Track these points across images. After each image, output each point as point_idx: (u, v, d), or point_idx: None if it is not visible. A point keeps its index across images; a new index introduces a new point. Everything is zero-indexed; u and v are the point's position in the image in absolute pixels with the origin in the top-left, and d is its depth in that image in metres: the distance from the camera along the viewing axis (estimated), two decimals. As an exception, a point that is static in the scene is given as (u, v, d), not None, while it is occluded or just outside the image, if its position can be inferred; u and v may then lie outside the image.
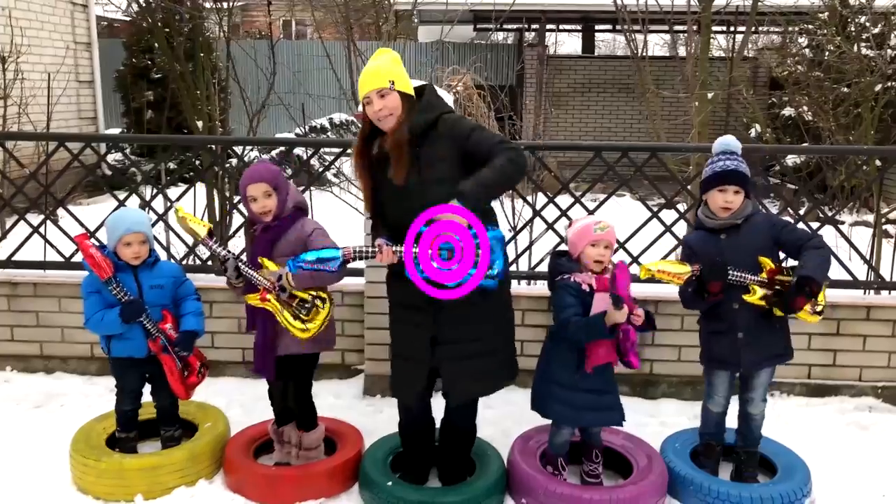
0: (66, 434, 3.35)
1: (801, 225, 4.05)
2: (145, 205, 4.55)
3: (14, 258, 4.48)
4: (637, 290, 4.21)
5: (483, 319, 2.94)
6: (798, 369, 4.18)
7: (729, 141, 3.12)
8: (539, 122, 7.70)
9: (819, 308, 3.05)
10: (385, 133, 2.84)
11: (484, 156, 2.79)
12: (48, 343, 4.43)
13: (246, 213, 3.19)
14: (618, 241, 3.89)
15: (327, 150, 6.57)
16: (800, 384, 4.21)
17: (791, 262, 3.10)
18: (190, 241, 4.70)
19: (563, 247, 3.32)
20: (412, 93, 2.87)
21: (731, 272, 2.95)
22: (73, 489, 3.18)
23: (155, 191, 4.60)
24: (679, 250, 4.75)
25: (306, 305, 2.98)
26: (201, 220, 3.08)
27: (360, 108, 2.92)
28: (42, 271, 4.48)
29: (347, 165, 7.83)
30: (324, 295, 3.02)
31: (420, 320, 2.91)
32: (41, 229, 4.48)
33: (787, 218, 3.75)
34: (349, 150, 4.77)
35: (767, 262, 3.01)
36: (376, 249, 2.73)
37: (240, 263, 2.97)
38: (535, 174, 6.38)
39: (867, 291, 4.36)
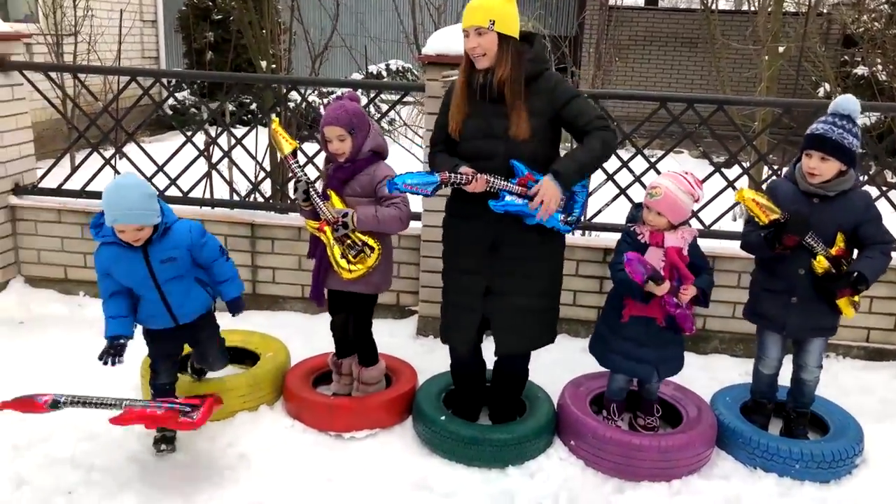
0: (135, 357, 3.51)
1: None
2: (212, 142, 4.67)
3: (87, 189, 4.64)
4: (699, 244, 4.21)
5: (538, 275, 2.97)
6: (857, 332, 4.12)
7: (844, 102, 2.91)
8: (599, 73, 7.55)
9: (857, 303, 3.05)
10: (481, 69, 2.81)
11: (579, 128, 2.81)
12: (118, 271, 4.61)
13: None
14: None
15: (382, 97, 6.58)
16: (857, 347, 4.15)
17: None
18: (253, 175, 4.82)
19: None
20: (516, 35, 2.80)
21: (810, 234, 2.90)
22: (144, 407, 3.35)
23: (220, 130, 4.69)
24: (739, 208, 4.69)
25: (356, 248, 3.06)
26: (291, 138, 3.14)
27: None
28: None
29: (405, 111, 7.85)
30: (373, 244, 3.08)
31: (476, 269, 2.95)
32: (112, 162, 4.64)
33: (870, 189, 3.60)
34: (406, 99, 4.79)
35: (841, 241, 2.96)
36: (471, 177, 2.76)
37: (311, 189, 3.05)
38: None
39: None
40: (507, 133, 2.78)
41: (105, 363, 2.80)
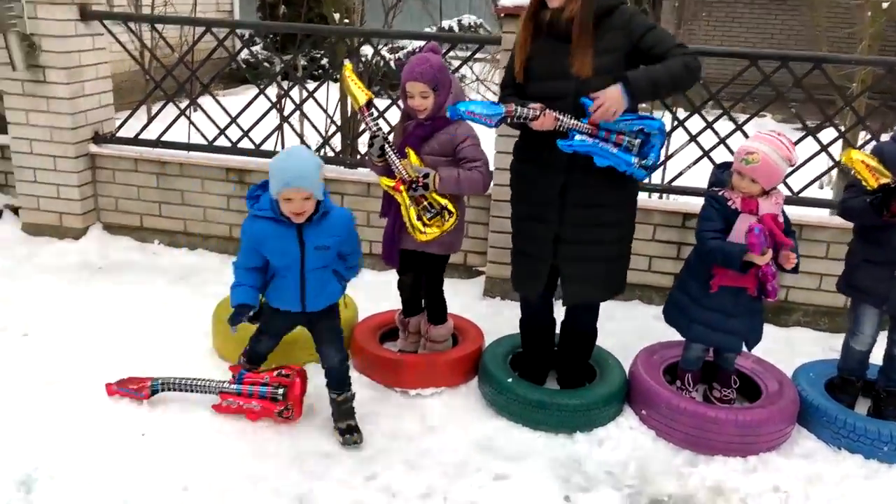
0: (207, 305, 3.57)
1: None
2: (284, 94, 4.65)
3: (162, 139, 4.71)
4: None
5: (610, 223, 2.87)
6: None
7: None
8: (680, 32, 7.20)
9: None
10: (550, 8, 2.70)
11: (658, 56, 2.67)
12: (191, 221, 4.69)
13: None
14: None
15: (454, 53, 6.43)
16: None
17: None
18: (324, 129, 4.79)
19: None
20: None
21: None
22: (216, 355, 3.41)
23: (291, 83, 4.66)
24: (829, 175, 4.42)
25: (432, 210, 2.98)
26: (365, 87, 3.05)
27: None
28: (187, 153, 4.70)
29: (477, 68, 7.69)
30: (452, 208, 2.99)
31: (546, 217, 2.86)
32: (187, 112, 4.68)
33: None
34: (478, 55, 4.65)
35: None
36: (538, 112, 2.66)
37: (386, 144, 2.98)
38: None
39: None
40: (572, 71, 2.66)
41: (233, 327, 2.80)
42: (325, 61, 8.91)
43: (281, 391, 2.92)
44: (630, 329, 3.83)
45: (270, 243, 2.70)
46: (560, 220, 2.84)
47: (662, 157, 4.42)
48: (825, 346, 3.80)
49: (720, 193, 2.86)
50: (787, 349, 3.72)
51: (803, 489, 2.71)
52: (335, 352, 2.90)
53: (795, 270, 2.84)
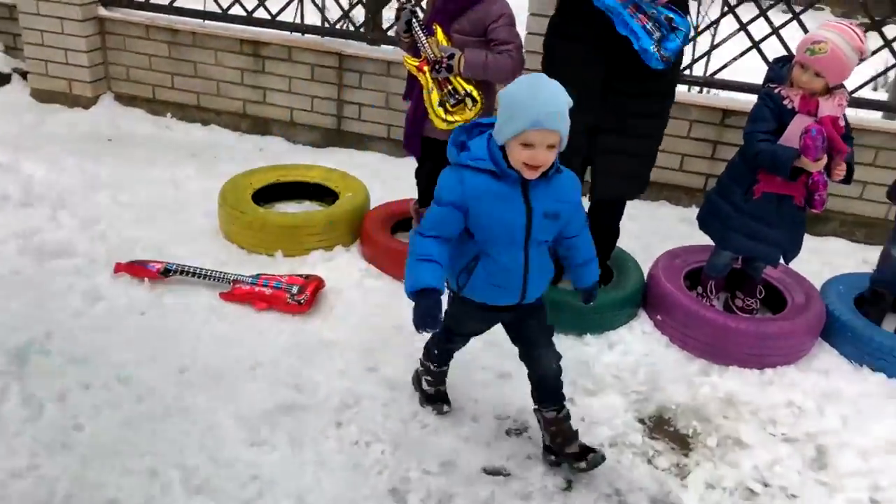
0: (218, 183, 3.45)
1: None
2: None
3: (175, 4, 4.46)
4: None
5: (651, 115, 2.67)
6: None
7: None
8: None
9: None
10: None
11: None
12: (204, 95, 4.51)
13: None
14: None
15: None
16: None
17: None
18: (346, 4, 4.50)
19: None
20: None
21: None
22: (221, 236, 3.32)
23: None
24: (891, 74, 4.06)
25: (456, 96, 2.75)
26: None
27: None
28: (201, 21, 4.46)
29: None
30: (477, 96, 2.77)
31: (584, 105, 2.63)
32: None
33: None
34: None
35: None
36: None
37: (414, 19, 2.74)
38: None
39: None
40: None
41: (422, 331, 2.01)
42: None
43: (296, 288, 2.84)
44: (654, 230, 3.66)
45: (487, 205, 1.95)
46: (597, 110, 2.61)
47: (707, 48, 4.09)
48: (859, 259, 3.62)
49: (776, 91, 2.58)
50: (819, 259, 3.54)
51: (817, 404, 2.60)
52: (552, 356, 2.24)
53: (848, 181, 2.61)
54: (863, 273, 3.15)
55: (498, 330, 2.84)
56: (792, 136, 2.50)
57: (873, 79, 3.78)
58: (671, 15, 2.46)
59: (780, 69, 2.63)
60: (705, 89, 4.15)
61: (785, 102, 2.55)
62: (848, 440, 2.45)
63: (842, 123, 2.54)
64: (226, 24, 4.39)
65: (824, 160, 2.47)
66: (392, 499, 2.12)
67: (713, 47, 4.00)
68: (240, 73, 4.39)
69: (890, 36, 3.61)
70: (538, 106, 1.84)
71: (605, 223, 2.97)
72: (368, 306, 2.91)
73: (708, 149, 3.84)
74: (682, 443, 2.44)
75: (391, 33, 2.80)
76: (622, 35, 2.44)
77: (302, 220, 3.21)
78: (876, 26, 3.60)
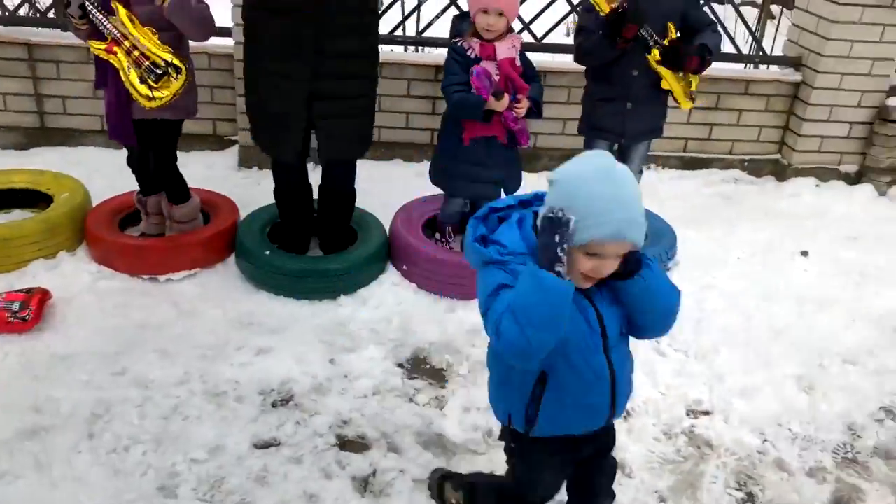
0: None
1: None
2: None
3: None
4: (531, 58, 4.08)
5: (361, 75, 2.77)
6: (675, 143, 4.27)
7: None
8: None
9: (693, 95, 3.07)
10: None
11: None
12: None
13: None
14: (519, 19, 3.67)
15: None
16: (675, 157, 4.33)
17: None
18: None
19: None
20: None
21: (645, 26, 2.84)
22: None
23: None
24: (572, 18, 4.57)
25: (156, 71, 2.62)
26: None
27: None
28: None
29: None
30: (178, 63, 2.66)
31: (299, 74, 2.67)
32: None
33: None
34: None
35: (673, 30, 2.92)
36: None
37: (87, 3, 2.54)
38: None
39: (748, 66, 4.40)
40: None
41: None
42: None
43: (17, 304, 2.58)
44: (391, 189, 3.81)
45: None
46: (315, 76, 2.66)
47: (413, 6, 4.29)
48: (570, 186, 4.08)
49: (459, 44, 2.82)
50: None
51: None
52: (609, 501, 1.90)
53: (537, 115, 2.92)
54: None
55: (254, 309, 2.85)
56: (478, 81, 2.72)
57: (557, 23, 4.22)
58: None
59: (460, 24, 2.87)
60: (419, 48, 4.36)
61: (469, 53, 2.80)
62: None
63: (518, 64, 2.83)
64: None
65: (506, 99, 2.73)
66: (162, 496, 2.06)
67: (419, 5, 4.21)
68: None
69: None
70: (623, 210, 1.41)
71: (338, 187, 3.06)
72: (106, 309, 2.74)
73: (428, 105, 4.07)
74: (439, 377, 2.63)
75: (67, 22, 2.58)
76: None
77: (11, 231, 2.90)
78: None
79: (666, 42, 2.91)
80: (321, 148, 2.86)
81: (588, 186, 1.40)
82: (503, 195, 3.09)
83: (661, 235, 3.34)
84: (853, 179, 4.32)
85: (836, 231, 3.79)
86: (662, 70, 2.94)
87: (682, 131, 4.22)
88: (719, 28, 3.07)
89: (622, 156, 3.24)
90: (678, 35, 2.95)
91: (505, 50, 2.80)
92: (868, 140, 4.24)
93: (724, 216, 3.88)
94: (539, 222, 1.42)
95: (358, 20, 2.69)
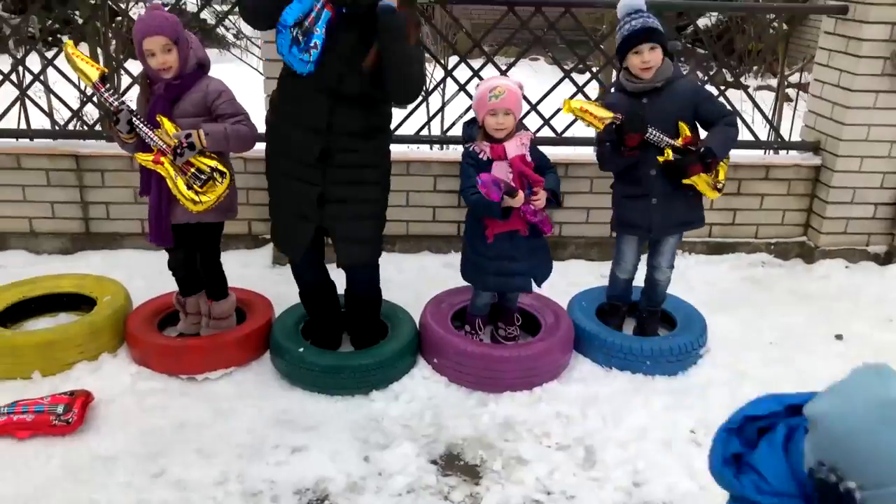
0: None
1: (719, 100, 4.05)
2: (18, 63, 4.11)
3: None
4: (551, 152, 4.20)
5: (372, 180, 2.86)
6: (700, 229, 4.30)
7: (632, 1, 2.96)
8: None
9: (720, 185, 3.10)
10: None
11: None
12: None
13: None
14: (529, 102, 3.83)
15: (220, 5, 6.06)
16: (701, 242, 4.37)
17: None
18: (75, 104, 4.33)
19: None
20: None
21: (650, 129, 2.91)
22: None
23: (28, 47, 4.13)
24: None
25: (202, 176, 2.79)
26: (94, 61, 2.75)
27: None
28: None
29: (244, 23, 7.28)
30: (223, 168, 2.83)
31: (309, 178, 2.78)
32: None
33: (708, 88, 3.72)
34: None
35: (685, 129, 3.00)
36: None
37: (134, 118, 2.73)
38: (448, 33, 6.13)
39: (767, 152, 4.49)
40: None
41: None
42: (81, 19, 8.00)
43: (61, 407, 2.65)
44: (421, 279, 3.89)
45: None
46: (324, 179, 2.77)
47: (437, 108, 4.48)
48: (597, 274, 4.11)
49: (471, 148, 2.94)
50: (565, 281, 3.98)
51: (581, 410, 2.93)
52: None
53: (557, 205, 3.00)
54: (601, 286, 3.60)
55: (289, 407, 2.88)
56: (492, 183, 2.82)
57: (577, 119, 4.35)
58: (318, 45, 2.57)
59: (469, 129, 3.00)
60: (443, 146, 4.52)
61: (480, 156, 2.91)
62: (609, 436, 2.78)
63: (529, 159, 2.92)
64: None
65: (521, 195, 2.82)
66: None
67: (442, 107, 4.40)
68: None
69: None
70: None
71: (360, 292, 3.12)
72: (145, 409, 2.80)
73: (454, 199, 4.18)
74: (472, 473, 2.62)
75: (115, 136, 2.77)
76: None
77: (57, 335, 3.01)
78: (566, 74, 4.18)
79: (679, 141, 2.99)
80: (336, 252, 2.93)
81: (868, 437, 1.00)
82: (534, 285, 3.14)
83: (691, 322, 3.34)
84: (883, 260, 4.32)
85: (870, 313, 3.76)
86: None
87: (706, 217, 4.26)
88: (735, 118, 3.11)
89: (652, 248, 3.30)
90: (695, 135, 3.02)
91: (514, 148, 2.91)
92: (894, 220, 4.25)
93: (754, 300, 3.88)
94: (808, 479, 1.05)
95: (368, 135, 2.78)
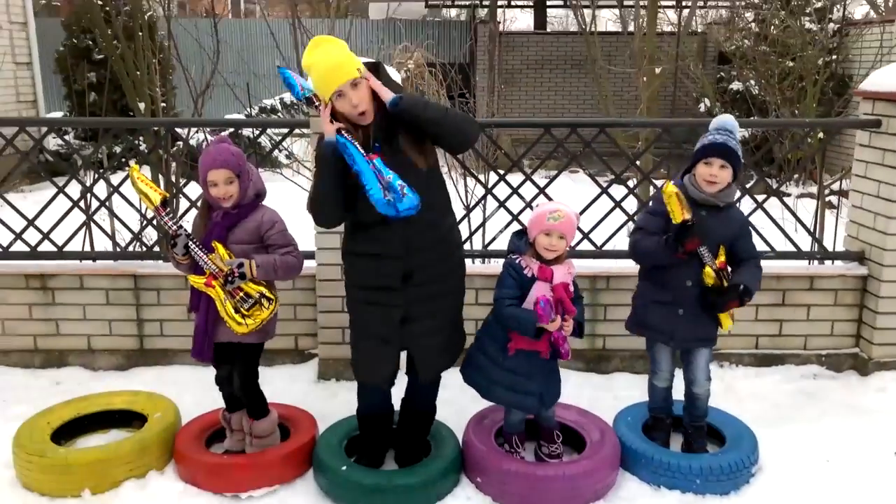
0: (10, 430, 3.25)
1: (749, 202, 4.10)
2: (87, 191, 4.41)
3: (-52, 249, 4.30)
4: (592, 264, 4.27)
5: (449, 292, 2.96)
6: (746, 340, 4.27)
7: (726, 119, 3.07)
8: (492, 99, 7.67)
9: (733, 315, 3.15)
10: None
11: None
12: (-12, 336, 4.28)
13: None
14: (581, 231, 3.92)
15: (276, 130, 6.42)
16: (748, 354, 4.30)
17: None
18: (136, 227, 4.59)
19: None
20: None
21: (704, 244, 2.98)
22: (19, 486, 3.09)
23: (96, 176, 4.44)
24: (628, 227, 4.80)
25: (250, 300, 2.93)
26: (157, 186, 2.95)
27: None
28: (-23, 262, 4.32)
29: (298, 146, 7.71)
30: (271, 295, 2.97)
31: (391, 301, 2.85)
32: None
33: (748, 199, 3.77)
34: (297, 130, 4.69)
35: (722, 255, 3.05)
36: (321, 105, 2.68)
37: (190, 242, 2.90)
38: (487, 152, 6.38)
39: (811, 262, 4.46)
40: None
41: None
42: (144, 147, 8.57)
43: None
44: (464, 395, 3.87)
45: None
46: (405, 301, 2.84)
47: (479, 222, 4.62)
48: (643, 388, 4.02)
49: (517, 261, 3.01)
50: (610, 395, 3.94)
51: (630, 532, 2.84)
52: None
53: (580, 336, 3.04)
54: (646, 401, 3.54)
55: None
56: (532, 299, 2.89)
57: (616, 232, 4.44)
58: (403, 184, 2.59)
59: (518, 241, 3.06)
60: (484, 260, 4.63)
61: (525, 271, 2.96)
62: (660, 559, 2.69)
63: (571, 289, 2.97)
64: (7, 262, 4.28)
65: (558, 321, 2.85)
66: None
67: (483, 222, 4.53)
68: (27, 308, 4.24)
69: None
70: None
71: (421, 405, 3.16)
72: (190, 530, 2.81)
73: (496, 312, 4.23)
74: None
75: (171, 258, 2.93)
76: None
77: (108, 453, 3.08)
78: (604, 189, 4.29)
79: (717, 263, 3.02)
80: (419, 368, 2.97)
81: None
82: (543, 406, 3.11)
83: (741, 438, 3.25)
84: (942, 371, 4.17)
85: (931, 428, 3.61)
86: (716, 284, 3.03)
87: (750, 328, 4.23)
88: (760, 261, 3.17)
89: (685, 362, 3.27)
90: (725, 261, 3.07)
91: (562, 275, 2.95)
92: (950, 329, 4.14)
93: (808, 415, 3.76)
94: None
95: (443, 248, 2.88)
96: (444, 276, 2.92)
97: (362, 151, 2.63)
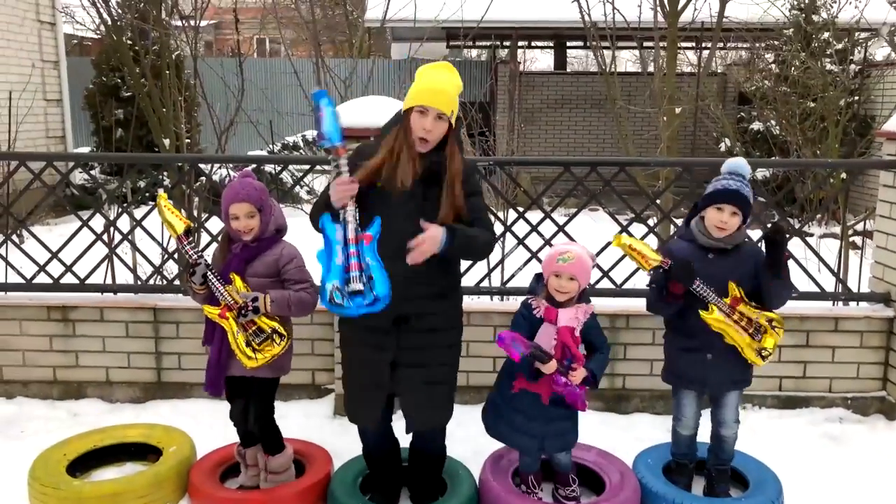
0: (26, 461, 3.25)
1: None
2: (110, 224, 4.47)
3: (-26, 280, 4.36)
4: (612, 303, 4.23)
5: (444, 344, 2.89)
6: (769, 382, 4.19)
7: (739, 163, 3.03)
8: (512, 138, 7.72)
9: (765, 353, 3.01)
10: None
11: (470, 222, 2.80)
12: (8, 367, 4.31)
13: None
14: (601, 270, 3.90)
15: (298, 167, 6.48)
16: (771, 396, 4.22)
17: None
18: (157, 260, 4.63)
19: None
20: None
21: (697, 283, 2.91)
22: (32, 518, 3.08)
23: (120, 210, 4.51)
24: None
25: (262, 334, 2.93)
26: (183, 216, 2.98)
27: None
28: (3, 293, 4.37)
29: (318, 182, 7.78)
30: (283, 331, 2.97)
31: (382, 343, 2.82)
32: (1, 250, 4.38)
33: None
34: (318, 167, 4.74)
35: (734, 290, 2.97)
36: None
37: (209, 271, 2.92)
38: (506, 190, 6.40)
39: (835, 303, 4.39)
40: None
41: None
42: (167, 181, 8.71)
43: None
44: (480, 433, 3.82)
45: None
46: (398, 346, 2.81)
47: (497, 259, 4.61)
48: (664, 429, 3.96)
49: (529, 301, 2.99)
50: (631, 436, 3.87)
51: (651, 579, 2.76)
52: None
53: (594, 387, 2.95)
54: (667, 442, 3.46)
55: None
56: (539, 341, 2.85)
57: (636, 271, 4.40)
58: (380, 278, 2.61)
59: (535, 282, 3.04)
60: (504, 297, 4.60)
61: (535, 311, 2.94)
62: None
63: (577, 333, 2.89)
64: (32, 294, 4.33)
65: (554, 364, 2.79)
66: None
67: (502, 259, 4.52)
68: (48, 339, 4.28)
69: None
70: None
71: (430, 449, 3.09)
72: (201, 567, 2.77)
73: (514, 350, 4.19)
74: None
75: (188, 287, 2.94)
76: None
77: (123, 486, 3.07)
78: (623, 228, 4.27)
79: (728, 300, 2.95)
80: (406, 418, 2.91)
81: None
82: (543, 453, 3.05)
83: (764, 482, 3.17)
84: (972, 416, 4.06)
85: (963, 475, 3.50)
86: (724, 326, 2.95)
87: (774, 370, 4.15)
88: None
89: (715, 405, 3.20)
90: (743, 296, 2.97)
91: (567, 318, 2.88)
92: (980, 374, 4.04)
93: (834, 459, 3.66)
94: None
95: (443, 296, 2.85)
96: (442, 326, 2.87)
97: (355, 231, 2.65)
